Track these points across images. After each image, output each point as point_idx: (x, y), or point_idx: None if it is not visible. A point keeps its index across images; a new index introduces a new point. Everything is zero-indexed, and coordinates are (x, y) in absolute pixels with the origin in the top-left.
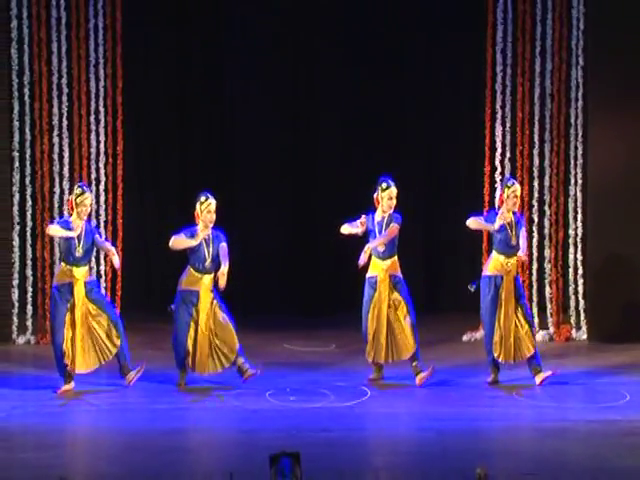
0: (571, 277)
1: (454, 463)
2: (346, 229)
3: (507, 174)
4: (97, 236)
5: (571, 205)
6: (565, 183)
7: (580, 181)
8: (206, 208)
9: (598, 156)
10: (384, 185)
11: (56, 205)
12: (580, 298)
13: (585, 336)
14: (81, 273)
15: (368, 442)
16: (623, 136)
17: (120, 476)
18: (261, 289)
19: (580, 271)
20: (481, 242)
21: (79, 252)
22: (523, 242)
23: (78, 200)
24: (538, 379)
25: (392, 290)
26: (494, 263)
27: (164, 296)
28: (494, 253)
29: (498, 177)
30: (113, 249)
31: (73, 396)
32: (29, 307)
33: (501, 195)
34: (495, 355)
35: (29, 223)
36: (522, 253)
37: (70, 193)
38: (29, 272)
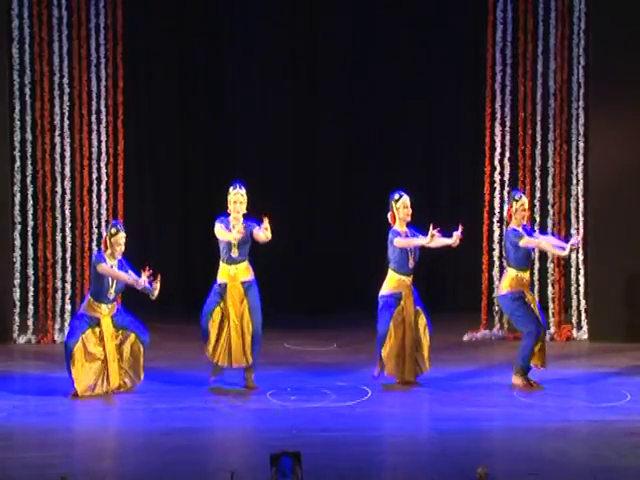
0: (573, 277)
1: (455, 463)
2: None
3: (507, 174)
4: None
5: (573, 205)
6: (567, 183)
7: (582, 181)
8: (232, 199)
9: (600, 156)
10: (396, 196)
11: (57, 205)
12: (581, 298)
13: (586, 336)
14: (108, 309)
15: (369, 442)
16: (625, 135)
17: (121, 476)
18: (262, 289)
19: (582, 271)
20: (481, 242)
21: (111, 294)
22: (555, 240)
23: (113, 240)
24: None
25: (414, 303)
26: (516, 281)
27: (165, 295)
28: (512, 271)
29: (497, 177)
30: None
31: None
32: (30, 307)
33: (509, 209)
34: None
35: (30, 223)
36: (572, 242)
37: (72, 193)
38: (30, 272)
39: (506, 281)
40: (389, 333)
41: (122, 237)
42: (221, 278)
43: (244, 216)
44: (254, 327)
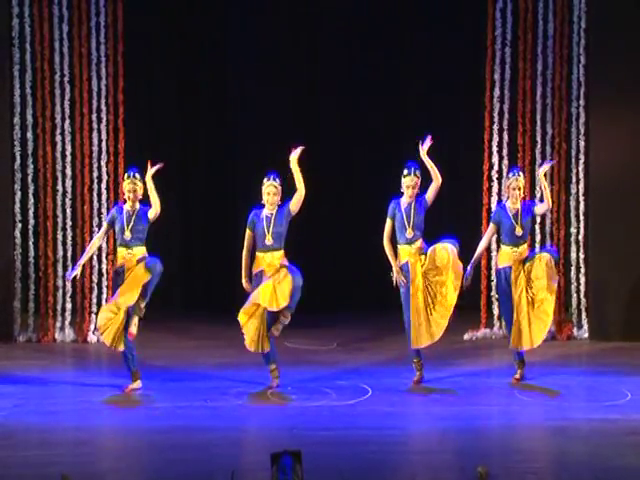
0: (573, 275)
1: (455, 462)
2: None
3: (505, 173)
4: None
5: (572, 203)
6: (566, 181)
7: (582, 179)
8: (266, 190)
9: (599, 154)
10: (405, 172)
11: (58, 203)
12: (582, 297)
13: (586, 334)
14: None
15: (369, 441)
16: (625, 134)
17: (122, 474)
18: None
19: (582, 270)
20: (479, 240)
21: (127, 235)
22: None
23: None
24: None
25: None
26: (502, 256)
27: (166, 294)
28: (501, 246)
29: (495, 175)
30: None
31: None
32: (31, 305)
33: (506, 187)
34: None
35: (31, 221)
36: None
37: (72, 192)
38: (31, 270)
39: (498, 257)
40: (412, 321)
41: (127, 184)
42: (257, 267)
43: (279, 206)
44: (294, 279)
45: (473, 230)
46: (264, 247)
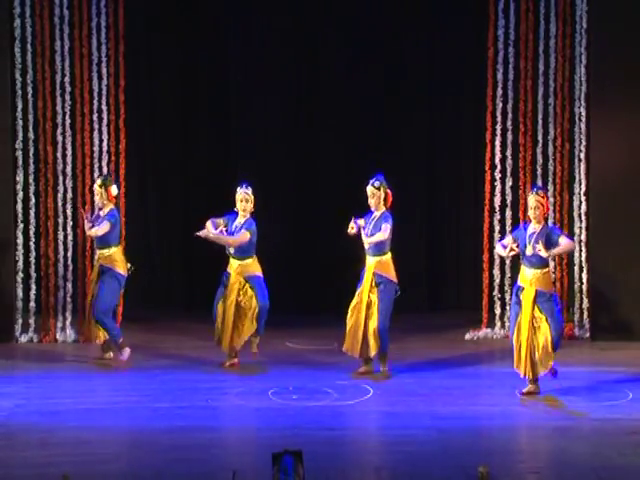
0: (575, 275)
1: (456, 462)
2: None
3: (508, 173)
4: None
5: (575, 203)
6: (569, 182)
7: (584, 180)
8: (238, 197)
9: (601, 154)
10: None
11: (59, 203)
12: (584, 296)
13: (588, 334)
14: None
15: (370, 440)
16: (626, 134)
17: (123, 475)
18: None
19: (584, 269)
20: (482, 240)
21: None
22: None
23: None
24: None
25: (372, 289)
26: (520, 273)
27: (166, 294)
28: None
29: (498, 175)
30: None
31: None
32: (32, 305)
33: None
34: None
35: (32, 221)
36: (544, 253)
37: (73, 192)
38: (32, 270)
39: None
40: (347, 321)
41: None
42: (229, 269)
43: (251, 214)
44: (259, 303)
45: (474, 231)
46: (231, 254)
